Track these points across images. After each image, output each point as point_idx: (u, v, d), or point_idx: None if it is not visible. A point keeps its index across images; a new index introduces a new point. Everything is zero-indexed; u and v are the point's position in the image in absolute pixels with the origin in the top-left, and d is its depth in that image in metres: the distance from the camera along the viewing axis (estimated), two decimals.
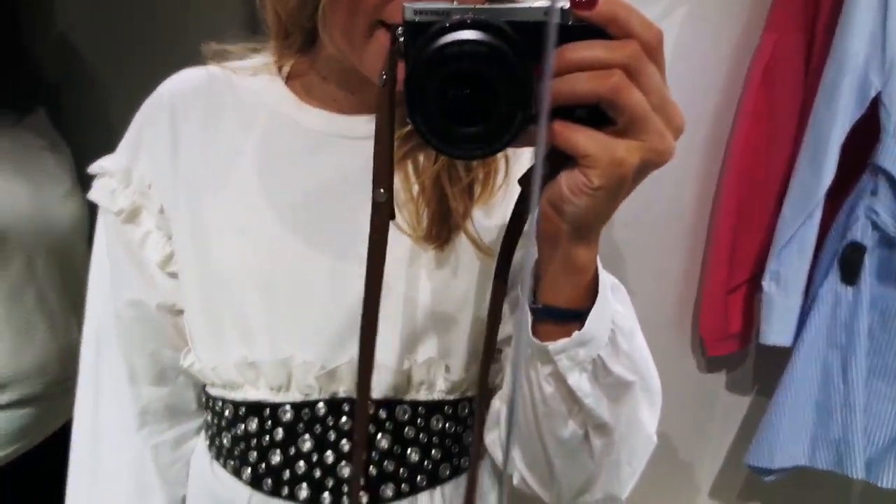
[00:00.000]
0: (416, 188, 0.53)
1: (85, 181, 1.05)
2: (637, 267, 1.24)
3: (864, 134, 0.95)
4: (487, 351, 0.49)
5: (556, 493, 0.53)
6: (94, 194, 0.60)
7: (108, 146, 0.60)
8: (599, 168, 0.34)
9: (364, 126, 0.54)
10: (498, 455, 0.58)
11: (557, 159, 0.36)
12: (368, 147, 0.42)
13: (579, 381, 0.43)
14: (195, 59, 0.64)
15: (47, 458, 1.07)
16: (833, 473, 1.15)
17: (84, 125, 1.20)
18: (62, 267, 0.99)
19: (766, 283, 1.05)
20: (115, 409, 0.61)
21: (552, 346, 0.42)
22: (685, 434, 1.37)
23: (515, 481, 0.55)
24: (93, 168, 0.60)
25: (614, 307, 0.44)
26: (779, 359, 1.13)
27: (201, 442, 0.64)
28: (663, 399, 1.20)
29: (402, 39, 0.33)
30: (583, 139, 0.34)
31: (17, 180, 0.93)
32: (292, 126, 0.56)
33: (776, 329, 1.06)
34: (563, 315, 0.42)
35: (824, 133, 0.95)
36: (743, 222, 1.11)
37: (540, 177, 0.36)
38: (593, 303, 0.42)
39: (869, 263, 0.98)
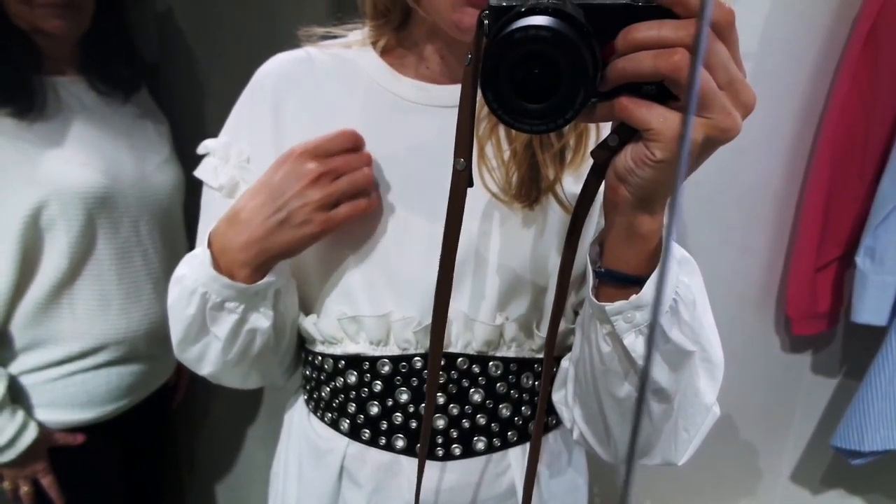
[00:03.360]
0: (507, 153, 0.54)
1: (181, 151, 1.12)
2: (722, 242, 1.21)
3: None
4: (556, 310, 0.50)
5: (613, 452, 0.55)
6: (199, 171, 0.64)
7: (202, 119, 0.63)
8: (662, 142, 0.36)
9: (452, 94, 0.55)
10: (563, 413, 0.59)
11: (626, 133, 0.38)
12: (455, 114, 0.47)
13: (634, 343, 0.45)
14: (282, 42, 0.67)
15: (151, 413, 1.16)
16: None
17: (180, 100, 1.27)
18: (163, 232, 1.07)
19: (861, 259, 1.01)
20: None
21: (609, 306, 0.44)
22: (768, 415, 1.33)
23: (575, 436, 0.58)
24: (200, 148, 0.65)
25: (678, 277, 0.45)
26: (869, 340, 1.08)
27: (299, 398, 0.69)
28: (747, 378, 1.18)
29: (486, 22, 0.36)
30: (646, 113, 0.35)
31: (122, 149, 1.00)
32: (389, 95, 0.59)
33: (869, 307, 1.01)
34: (625, 280, 0.44)
35: None
36: (836, 195, 1.06)
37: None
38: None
39: None
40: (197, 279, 0.54)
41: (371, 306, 0.57)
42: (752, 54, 1.10)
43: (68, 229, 0.91)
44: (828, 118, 1.06)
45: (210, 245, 0.55)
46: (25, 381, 0.96)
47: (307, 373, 0.66)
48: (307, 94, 0.61)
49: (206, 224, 0.64)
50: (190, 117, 1.27)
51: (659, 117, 0.35)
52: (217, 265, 0.53)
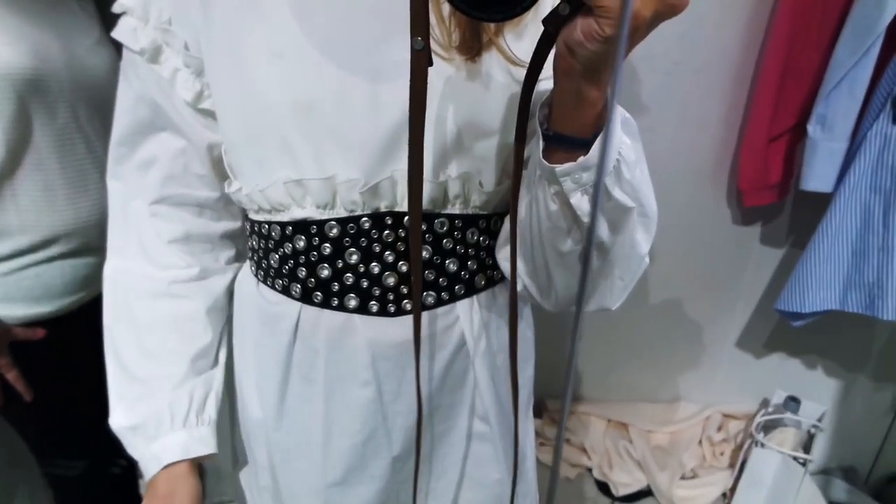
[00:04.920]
0: (446, 8, 0.52)
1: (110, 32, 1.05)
2: (680, 115, 1.21)
3: None
4: (517, 167, 0.51)
5: (553, 302, 0.59)
6: (116, 32, 0.59)
7: None
8: (612, 18, 0.36)
9: None
10: (506, 267, 0.61)
11: (576, 3, 0.38)
12: None
13: (580, 202, 0.47)
14: None
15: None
16: (855, 320, 1.18)
17: None
18: (102, 116, 1.00)
19: (812, 127, 1.02)
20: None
21: (559, 168, 0.46)
22: (718, 284, 1.40)
23: (519, 288, 0.60)
24: (115, 6, 0.59)
25: (621, 139, 0.47)
26: (816, 211, 1.13)
27: (246, 268, 0.69)
28: (697, 249, 1.22)
29: None
30: None
31: (48, 32, 0.92)
32: None
33: (818, 174, 1.05)
34: (572, 142, 0.45)
35: None
36: (793, 65, 1.06)
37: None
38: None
39: None
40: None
41: (316, 169, 0.56)
42: None
43: (0, 115, 0.85)
44: None
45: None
46: None
47: (253, 243, 0.65)
48: None
49: (125, 92, 0.61)
50: None
51: None
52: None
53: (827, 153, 1.03)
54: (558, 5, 0.40)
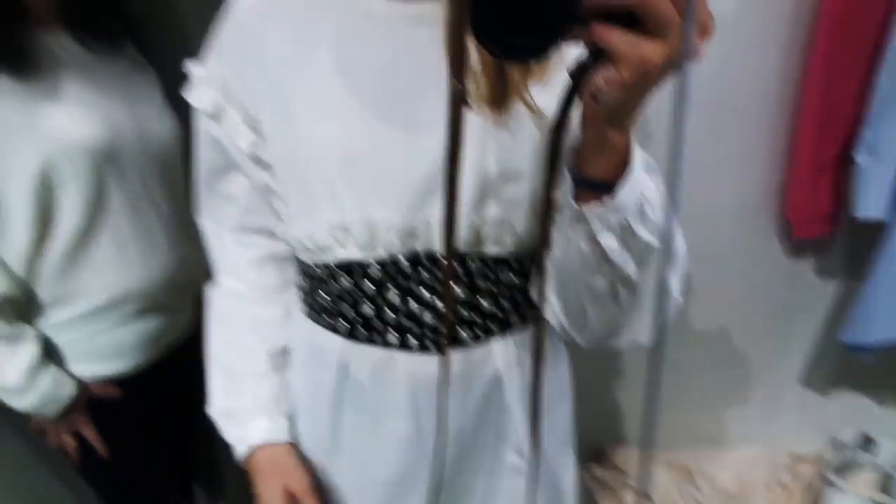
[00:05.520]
0: (476, 60, 0.56)
1: (170, 101, 1.12)
2: (721, 153, 1.22)
3: None
4: (546, 211, 0.52)
5: (589, 337, 0.61)
6: (188, 95, 0.67)
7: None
8: (628, 65, 0.39)
9: (423, 9, 0.58)
10: (545, 307, 0.62)
11: (598, 54, 0.41)
12: (429, 27, 0.55)
13: (608, 241, 0.50)
14: None
15: (182, 365, 1.20)
16: None
17: (163, 51, 1.26)
18: (169, 180, 1.06)
19: (860, 155, 1.02)
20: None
21: (587, 209, 0.49)
22: (775, 319, 1.37)
23: (556, 325, 0.62)
24: (186, 68, 0.67)
25: (645, 182, 0.49)
26: (870, 238, 1.11)
27: (297, 305, 0.73)
28: (751, 285, 1.21)
29: None
30: (615, 38, 0.38)
31: (117, 101, 0.99)
32: (359, 11, 0.60)
33: (871, 201, 1.04)
34: (598, 186, 0.48)
35: None
36: (833, 93, 1.07)
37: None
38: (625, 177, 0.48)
39: None
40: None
41: (359, 214, 0.60)
42: None
43: (78, 184, 0.92)
44: (820, 18, 1.06)
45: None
46: (57, 336, 0.99)
47: (302, 282, 0.70)
48: (283, 18, 0.63)
49: (203, 148, 0.69)
50: (174, 68, 1.27)
51: (626, 42, 0.38)
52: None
53: (878, 180, 1.02)
54: (580, 56, 0.42)
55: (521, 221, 0.61)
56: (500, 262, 0.63)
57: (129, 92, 1.02)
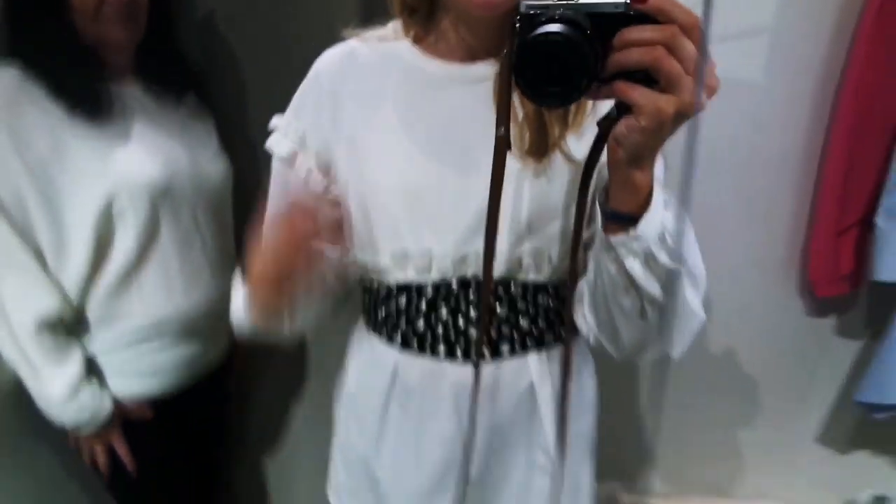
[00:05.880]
0: (521, 115, 0.67)
1: (225, 147, 1.20)
2: (745, 211, 1.26)
3: None
4: (574, 244, 0.64)
5: (621, 350, 0.70)
6: (269, 143, 0.77)
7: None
8: (645, 114, 0.48)
9: (474, 71, 0.69)
10: (582, 325, 0.73)
11: (622, 108, 0.50)
12: (479, 87, 0.67)
13: (633, 265, 0.59)
14: (311, 42, 0.78)
15: (210, 391, 1.25)
16: None
17: (221, 99, 1.35)
18: (217, 219, 1.15)
19: (879, 218, 1.05)
20: None
21: (614, 238, 0.58)
22: (795, 377, 1.38)
23: (592, 341, 0.72)
24: (271, 123, 0.78)
25: (664, 215, 0.58)
26: (892, 300, 1.13)
27: (359, 320, 0.84)
28: (772, 342, 1.26)
29: (517, 26, 0.48)
30: (635, 93, 0.48)
31: (177, 146, 1.08)
32: (421, 73, 0.71)
33: (890, 265, 1.06)
34: (624, 218, 0.57)
35: None
36: (856, 161, 1.10)
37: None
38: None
39: None
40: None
41: (417, 242, 0.71)
42: (768, 28, 1.15)
43: (136, 218, 1.00)
44: (845, 89, 1.10)
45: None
46: (101, 356, 1.06)
47: (366, 298, 0.80)
48: (356, 80, 0.74)
49: (274, 185, 0.78)
50: (231, 115, 1.35)
51: (643, 96, 0.48)
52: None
53: None
54: (610, 110, 0.52)
55: (556, 252, 0.71)
56: (538, 287, 0.73)
57: (188, 137, 1.11)
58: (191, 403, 1.19)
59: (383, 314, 0.77)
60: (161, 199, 1.02)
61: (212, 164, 1.14)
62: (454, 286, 0.72)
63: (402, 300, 0.74)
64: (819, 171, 1.20)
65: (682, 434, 1.46)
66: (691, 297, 0.63)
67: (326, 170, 0.75)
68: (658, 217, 0.57)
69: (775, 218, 1.27)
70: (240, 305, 0.74)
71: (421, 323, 0.74)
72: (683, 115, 0.48)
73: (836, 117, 1.13)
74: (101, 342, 1.06)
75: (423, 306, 0.73)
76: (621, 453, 1.48)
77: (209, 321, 1.15)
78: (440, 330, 0.73)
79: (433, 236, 0.70)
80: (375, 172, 0.71)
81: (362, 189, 0.72)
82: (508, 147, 0.58)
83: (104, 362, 1.07)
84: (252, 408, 1.64)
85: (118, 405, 1.07)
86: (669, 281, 0.60)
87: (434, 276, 0.72)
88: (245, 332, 0.76)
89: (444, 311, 0.73)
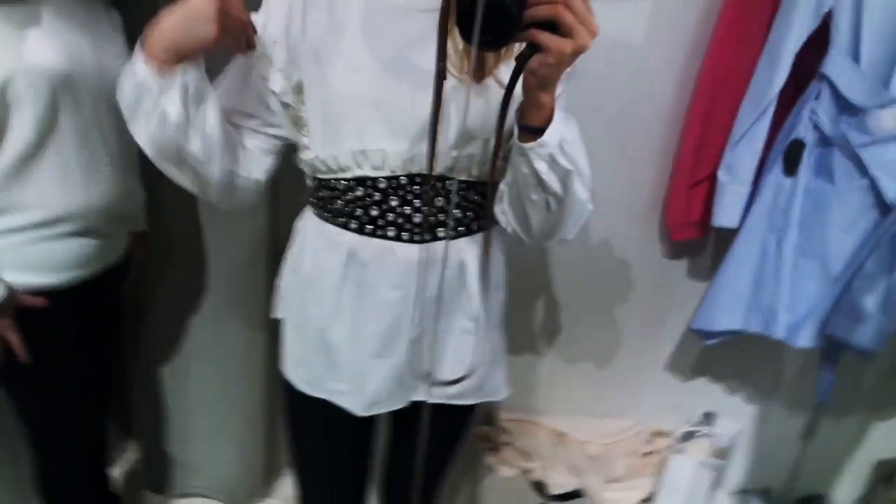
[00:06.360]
0: (461, 46, 0.81)
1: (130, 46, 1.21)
2: (619, 160, 1.41)
3: (820, 48, 1.10)
4: (496, 150, 0.81)
5: (532, 237, 0.89)
6: None
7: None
8: (551, 52, 0.65)
9: (429, 2, 0.81)
10: (501, 218, 0.91)
11: (533, 48, 0.66)
12: (432, 15, 0.76)
13: (540, 166, 0.77)
14: None
15: (105, 289, 1.28)
16: (769, 348, 1.35)
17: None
18: (119, 118, 1.15)
19: (721, 173, 1.22)
20: None
21: (526, 146, 0.76)
22: (649, 311, 1.57)
23: (510, 231, 0.91)
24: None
25: (563, 129, 0.76)
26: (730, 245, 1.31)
27: (308, 213, 0.98)
28: (632, 280, 1.47)
29: None
30: (544, 37, 0.64)
31: (82, 37, 1.07)
32: (382, 3, 0.84)
33: (726, 213, 1.24)
34: (533, 130, 0.75)
35: (780, 41, 1.09)
36: (709, 123, 1.27)
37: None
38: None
39: (807, 158, 1.14)
40: (133, 64, 0.76)
41: (372, 143, 0.85)
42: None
43: (34, 104, 0.99)
44: (705, 60, 1.25)
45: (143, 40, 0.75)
46: None
47: (322, 193, 0.93)
48: (322, 3, 0.85)
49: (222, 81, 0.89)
50: (137, 14, 1.35)
51: (550, 40, 0.64)
52: (145, 56, 0.75)
53: (733, 195, 1.22)
54: (524, 49, 0.68)
55: (485, 157, 0.87)
56: (469, 184, 0.89)
57: (95, 32, 1.11)
58: (86, 300, 1.21)
59: (341, 203, 0.91)
60: (61, 89, 1.03)
61: (117, 61, 1.14)
62: (403, 180, 0.87)
63: (359, 191, 0.88)
64: (682, 129, 1.36)
65: (552, 358, 1.64)
66: (580, 192, 0.82)
67: (289, 75, 0.87)
68: (558, 129, 0.74)
69: (645, 169, 1.43)
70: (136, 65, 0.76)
71: (374, 210, 0.88)
72: (577, 52, 0.65)
73: (697, 85, 1.28)
74: None
75: (377, 196, 0.88)
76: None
77: (108, 219, 1.18)
78: (390, 217, 0.88)
79: (387, 139, 0.84)
80: (339, 83, 0.84)
81: (326, 95, 0.85)
82: (444, 77, 0.74)
83: None
84: (148, 314, 1.67)
85: (11, 293, 1.09)
86: (566, 179, 0.78)
87: (386, 172, 0.86)
88: (138, 84, 0.76)
89: (394, 201, 0.88)
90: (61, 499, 1.39)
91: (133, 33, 1.22)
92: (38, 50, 0.99)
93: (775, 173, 1.17)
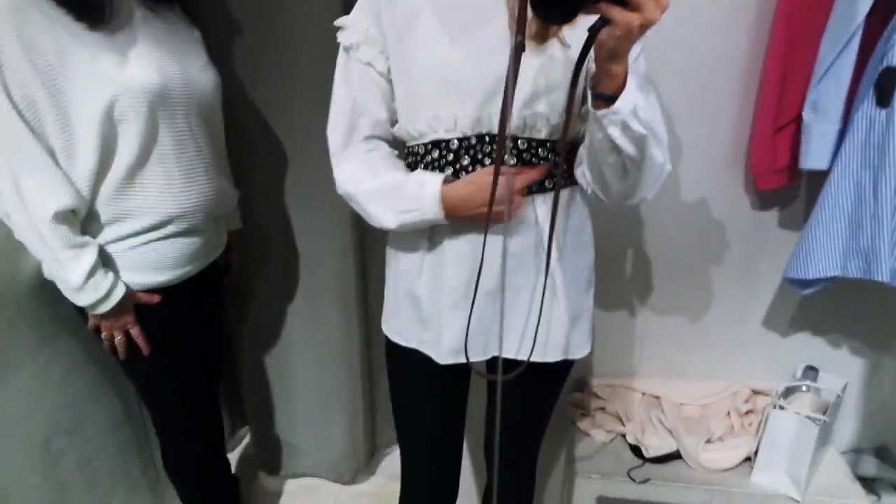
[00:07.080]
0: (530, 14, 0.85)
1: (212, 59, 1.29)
2: (696, 111, 1.37)
3: None
4: (568, 111, 0.87)
5: (611, 198, 0.95)
6: (339, 37, 0.99)
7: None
8: (620, 26, 0.69)
9: None
10: (581, 179, 0.97)
11: (603, 21, 0.70)
12: None
13: (613, 132, 0.81)
14: None
15: (210, 283, 1.38)
16: (880, 299, 1.27)
17: (208, 14, 1.42)
18: (209, 125, 1.25)
19: (806, 113, 1.16)
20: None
21: (599, 112, 0.80)
22: (741, 266, 1.52)
23: (589, 192, 0.97)
24: (337, 21, 1.00)
25: (636, 95, 0.79)
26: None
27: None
28: (721, 234, 1.49)
29: None
30: (613, 11, 0.69)
31: (169, 54, 1.17)
32: None
33: (814, 154, 1.18)
34: (606, 98, 0.79)
35: None
36: (791, 64, 1.21)
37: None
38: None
39: None
40: (428, 209, 0.94)
41: (445, 108, 0.93)
42: None
43: (137, 120, 1.10)
44: (780, 4, 1.19)
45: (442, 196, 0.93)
46: (111, 249, 1.18)
47: (408, 161, 1.03)
48: None
49: (339, 74, 1.01)
50: (216, 29, 1.43)
51: (618, 13, 0.68)
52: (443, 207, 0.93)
53: (820, 135, 1.16)
54: (595, 22, 0.72)
55: (554, 118, 0.92)
56: (539, 142, 0.94)
57: (179, 47, 1.21)
58: (194, 294, 1.32)
59: (422, 168, 0.99)
60: (158, 104, 1.12)
61: (202, 74, 1.24)
62: (473, 140, 0.93)
63: (435, 153, 0.97)
64: (762, 74, 1.30)
65: (643, 320, 1.62)
66: (657, 155, 0.86)
67: (385, 56, 0.97)
68: (630, 97, 0.78)
69: (723, 118, 1.39)
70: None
71: (449, 170, 0.96)
72: (646, 26, 0.69)
73: (774, 25, 1.23)
74: (111, 237, 1.17)
75: (451, 157, 0.95)
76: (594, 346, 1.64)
77: (206, 219, 1.28)
78: (462, 174, 0.95)
79: (457, 103, 0.92)
80: (417, 60, 0.93)
81: (406, 75, 0.95)
82: (523, 49, 0.75)
83: (115, 255, 1.19)
84: (250, 315, 1.79)
85: (130, 292, 1.20)
86: (641, 143, 0.82)
87: (458, 133, 0.93)
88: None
89: (466, 160, 0.95)
90: (187, 478, 1.52)
91: (212, 47, 1.32)
92: (136, 70, 1.09)
93: (866, 106, 1.10)
